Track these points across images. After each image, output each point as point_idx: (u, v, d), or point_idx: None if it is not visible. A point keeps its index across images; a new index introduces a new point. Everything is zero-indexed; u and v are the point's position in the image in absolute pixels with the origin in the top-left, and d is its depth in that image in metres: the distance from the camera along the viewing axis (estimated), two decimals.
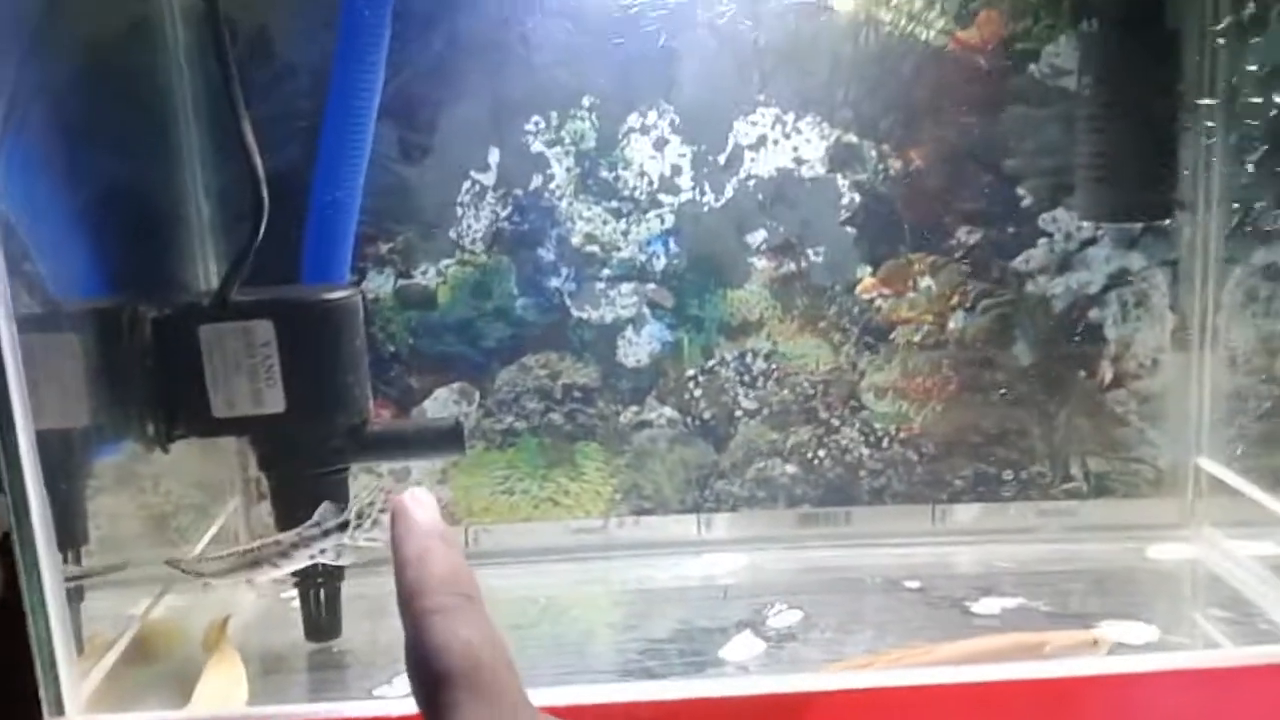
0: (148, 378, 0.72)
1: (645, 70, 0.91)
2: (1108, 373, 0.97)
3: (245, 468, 0.94)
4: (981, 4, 0.91)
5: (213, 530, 0.88)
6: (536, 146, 0.92)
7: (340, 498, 0.78)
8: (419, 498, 0.38)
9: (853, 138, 0.93)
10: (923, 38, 0.91)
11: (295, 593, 0.82)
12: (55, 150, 0.67)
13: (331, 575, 0.80)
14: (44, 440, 0.58)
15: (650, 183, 0.93)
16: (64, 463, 0.65)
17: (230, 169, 0.86)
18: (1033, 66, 0.91)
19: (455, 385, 0.96)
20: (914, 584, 0.91)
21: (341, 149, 0.78)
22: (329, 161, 0.79)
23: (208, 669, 0.76)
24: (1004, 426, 0.97)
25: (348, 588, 0.81)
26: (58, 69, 0.67)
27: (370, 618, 0.84)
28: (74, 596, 0.65)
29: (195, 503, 0.89)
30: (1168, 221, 0.92)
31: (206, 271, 0.88)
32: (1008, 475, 0.98)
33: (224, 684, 0.74)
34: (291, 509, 0.77)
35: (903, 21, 0.91)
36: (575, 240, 0.94)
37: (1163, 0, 0.85)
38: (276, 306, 0.72)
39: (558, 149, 0.92)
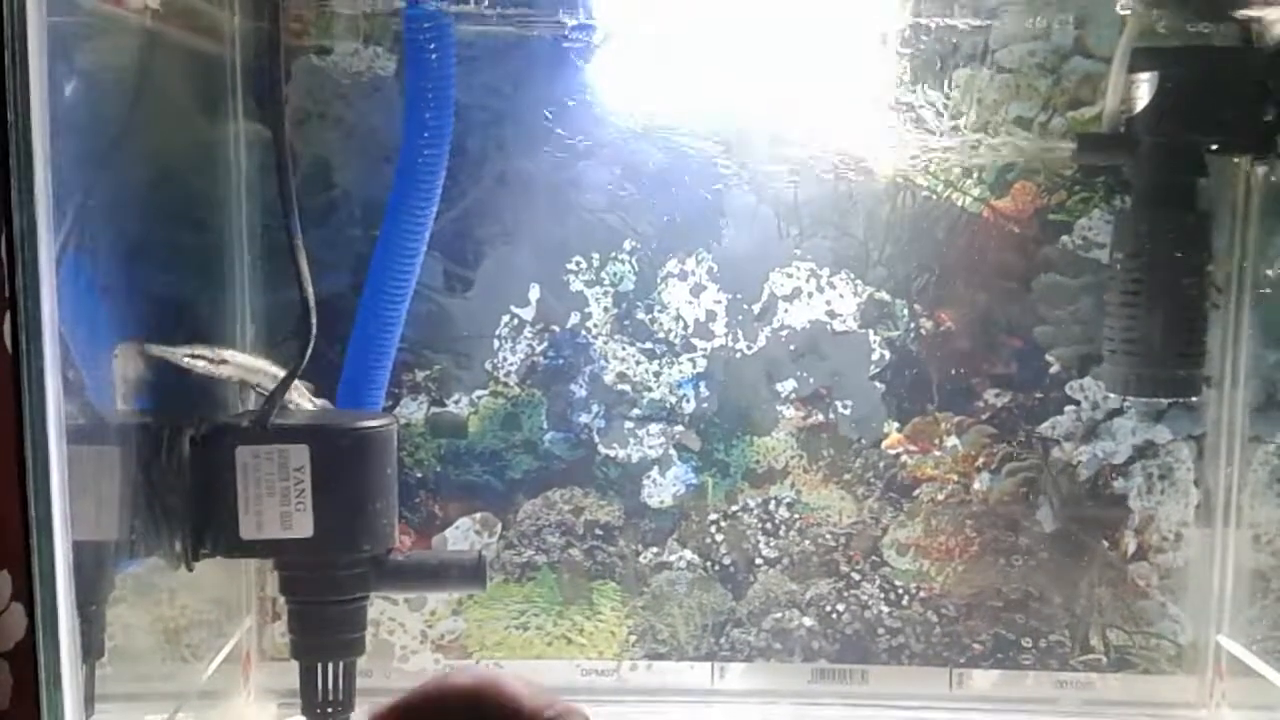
0: (180, 494, 0.72)
1: (687, 219, 0.93)
2: (1130, 544, 0.96)
3: (262, 586, 0.93)
4: (1018, 175, 0.93)
5: (226, 648, 0.87)
6: (576, 285, 0.94)
7: (358, 626, 0.78)
8: None
9: (885, 296, 0.95)
10: (959, 204, 0.93)
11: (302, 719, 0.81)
12: (111, 264, 0.69)
13: (341, 705, 0.79)
14: (75, 551, 0.58)
15: (685, 327, 0.95)
16: (90, 575, 0.65)
17: (276, 292, 0.89)
18: (1065, 238, 0.93)
19: (478, 515, 0.96)
20: None
21: (389, 280, 0.80)
22: (375, 290, 0.80)
23: None
24: (1025, 592, 0.96)
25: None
26: (123, 190, 0.68)
27: None
28: (85, 709, 0.64)
29: (210, 619, 0.88)
30: (1195, 399, 0.92)
31: (245, 390, 0.89)
32: (1027, 642, 0.96)
33: None
34: (309, 634, 0.77)
35: (940, 187, 0.93)
36: (608, 378, 0.95)
37: (1194, 183, 0.87)
38: (313, 432, 0.73)
39: (597, 289, 0.94)
